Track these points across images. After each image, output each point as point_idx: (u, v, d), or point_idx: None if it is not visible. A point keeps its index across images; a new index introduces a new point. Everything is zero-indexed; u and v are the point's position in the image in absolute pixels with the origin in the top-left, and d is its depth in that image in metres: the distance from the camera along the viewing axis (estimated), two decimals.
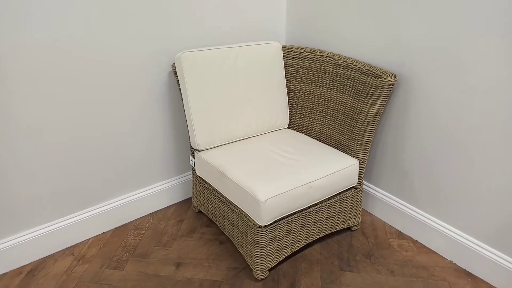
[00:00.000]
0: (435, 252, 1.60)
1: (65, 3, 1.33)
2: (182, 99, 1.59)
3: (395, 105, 1.61)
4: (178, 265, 1.54)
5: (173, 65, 1.62)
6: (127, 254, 1.60)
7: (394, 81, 1.44)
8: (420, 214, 1.64)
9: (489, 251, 1.42)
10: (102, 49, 1.47)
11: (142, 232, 1.74)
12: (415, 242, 1.67)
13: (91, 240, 1.69)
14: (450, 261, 1.55)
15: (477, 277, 1.47)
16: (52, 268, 1.53)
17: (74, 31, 1.38)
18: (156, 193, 1.86)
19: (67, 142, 1.51)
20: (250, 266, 1.46)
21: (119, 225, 1.78)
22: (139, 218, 1.84)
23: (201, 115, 1.54)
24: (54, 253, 1.61)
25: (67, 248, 1.64)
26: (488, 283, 1.44)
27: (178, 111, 1.79)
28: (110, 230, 1.76)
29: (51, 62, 1.37)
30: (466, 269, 1.50)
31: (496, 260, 1.40)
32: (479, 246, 1.45)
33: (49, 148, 1.47)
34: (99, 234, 1.72)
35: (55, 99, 1.42)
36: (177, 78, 1.58)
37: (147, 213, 1.87)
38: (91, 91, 1.50)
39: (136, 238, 1.70)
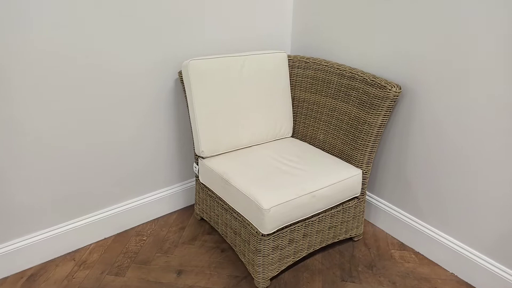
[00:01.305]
0: (437, 264, 1.60)
1: (70, 10, 1.34)
2: (187, 106, 1.60)
3: (400, 116, 1.62)
4: (179, 272, 1.53)
5: (180, 73, 1.63)
6: (129, 260, 1.60)
7: (398, 92, 1.45)
8: (422, 226, 1.64)
9: (490, 263, 1.42)
10: (108, 55, 1.48)
11: (144, 238, 1.74)
12: (417, 253, 1.66)
13: (92, 245, 1.69)
14: (452, 273, 1.55)
15: None
16: (53, 273, 1.52)
17: (78, 37, 1.39)
18: (159, 199, 1.86)
19: (69, 147, 1.51)
20: (252, 275, 1.45)
21: (120, 231, 1.78)
22: (141, 224, 1.84)
23: (206, 123, 1.55)
24: (55, 258, 1.60)
25: (68, 253, 1.64)
26: None
27: (182, 118, 1.80)
28: (111, 236, 1.75)
29: (54, 68, 1.38)
30: (468, 282, 1.50)
31: (497, 273, 1.39)
32: (481, 259, 1.45)
33: (51, 153, 1.48)
34: (101, 240, 1.72)
35: (59, 105, 1.43)
36: (183, 86, 1.59)
37: (149, 220, 1.87)
38: (95, 97, 1.51)
39: (137, 245, 1.70)
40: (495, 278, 1.41)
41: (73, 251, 1.65)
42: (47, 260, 1.59)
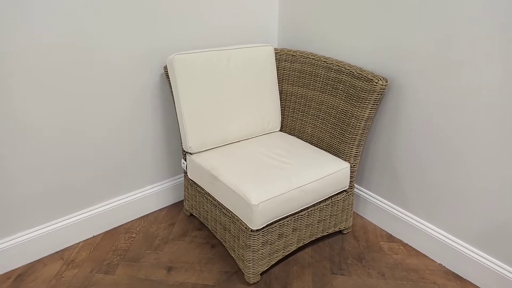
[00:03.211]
0: (424, 255, 1.62)
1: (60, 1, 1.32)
2: (174, 101, 1.58)
3: (387, 108, 1.62)
4: (169, 269, 1.53)
5: (165, 67, 1.61)
6: (118, 258, 1.59)
7: (385, 85, 1.45)
8: (410, 217, 1.65)
9: (477, 254, 1.44)
10: (95, 48, 1.45)
11: (133, 235, 1.73)
12: (405, 245, 1.68)
13: (81, 244, 1.67)
14: (439, 263, 1.57)
15: (465, 279, 1.49)
16: (42, 272, 1.51)
17: (66, 28, 1.37)
18: (148, 196, 1.85)
19: (56, 144, 1.49)
20: (242, 270, 1.46)
21: (109, 229, 1.77)
22: (130, 221, 1.83)
23: (193, 118, 1.54)
24: (43, 258, 1.59)
25: (56, 252, 1.62)
26: (477, 286, 1.46)
27: (169, 113, 1.78)
28: (100, 233, 1.74)
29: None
30: (455, 272, 1.52)
31: (484, 263, 1.42)
32: (468, 249, 1.47)
33: (37, 149, 1.45)
34: (89, 238, 1.71)
35: (44, 99, 1.41)
36: (169, 80, 1.57)
37: (138, 216, 1.86)
38: (82, 92, 1.49)
39: (127, 242, 1.69)
40: (481, 268, 1.43)
41: (61, 250, 1.63)
42: (35, 259, 1.57)
